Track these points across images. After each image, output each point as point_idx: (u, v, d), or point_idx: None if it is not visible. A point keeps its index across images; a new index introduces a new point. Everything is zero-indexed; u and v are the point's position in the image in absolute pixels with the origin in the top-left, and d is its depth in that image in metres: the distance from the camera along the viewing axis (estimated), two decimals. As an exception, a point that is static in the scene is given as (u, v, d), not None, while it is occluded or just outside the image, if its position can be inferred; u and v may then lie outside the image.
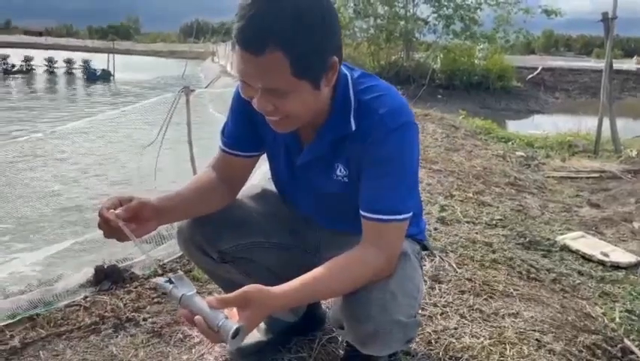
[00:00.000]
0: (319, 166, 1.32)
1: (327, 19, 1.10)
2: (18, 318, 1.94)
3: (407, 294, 1.24)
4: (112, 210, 1.18)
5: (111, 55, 26.51)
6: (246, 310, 1.04)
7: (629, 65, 25.73)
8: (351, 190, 1.27)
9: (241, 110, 1.36)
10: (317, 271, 1.15)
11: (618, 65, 21.78)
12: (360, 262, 1.19)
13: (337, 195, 1.33)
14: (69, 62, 27.46)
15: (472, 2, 18.02)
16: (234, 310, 1.04)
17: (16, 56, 26.38)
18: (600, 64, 6.94)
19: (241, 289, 1.05)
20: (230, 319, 1.02)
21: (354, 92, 1.23)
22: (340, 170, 1.30)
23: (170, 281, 1.06)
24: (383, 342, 1.21)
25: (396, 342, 1.25)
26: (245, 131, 1.39)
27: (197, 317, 1.01)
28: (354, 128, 1.23)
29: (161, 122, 3.04)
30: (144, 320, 1.93)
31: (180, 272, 1.08)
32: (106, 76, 25.21)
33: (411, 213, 1.24)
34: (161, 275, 2.30)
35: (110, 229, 1.18)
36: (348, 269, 1.18)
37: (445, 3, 18.04)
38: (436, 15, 18.33)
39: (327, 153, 1.29)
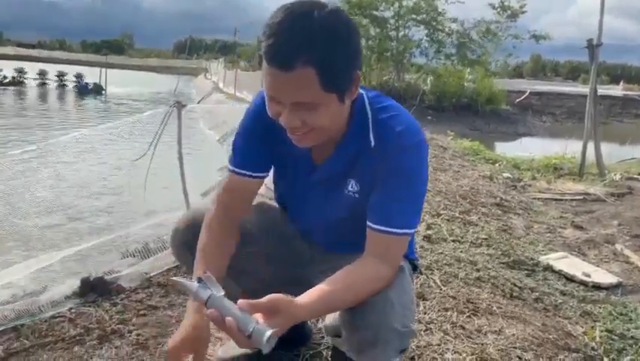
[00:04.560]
0: (333, 181, 1.34)
1: (353, 35, 1.15)
2: (2, 328, 1.93)
3: (403, 304, 1.26)
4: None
5: (103, 69, 26.50)
6: (274, 318, 1.05)
7: (615, 90, 26.28)
8: (360, 207, 1.29)
9: (255, 128, 1.38)
10: (332, 284, 1.17)
11: (605, 90, 22.24)
12: (372, 274, 1.21)
13: (345, 210, 1.35)
14: (61, 74, 27.39)
15: (462, 28, 18.38)
16: (257, 315, 1.05)
17: (8, 68, 26.23)
18: (586, 89, 7.07)
19: (270, 296, 1.06)
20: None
21: (372, 110, 1.28)
22: (352, 185, 1.33)
23: (198, 280, 1.05)
24: (380, 350, 1.22)
25: (392, 350, 1.26)
26: (257, 151, 1.40)
27: (228, 318, 1.01)
28: (373, 144, 1.27)
29: (152, 136, 3.06)
30: (129, 332, 1.93)
31: (208, 273, 1.08)
32: (98, 90, 25.18)
33: (416, 229, 1.28)
34: (147, 287, 2.30)
35: None
36: (362, 282, 1.20)
37: (440, 27, 18.38)
38: (428, 38, 18.66)
39: (343, 168, 1.32)
